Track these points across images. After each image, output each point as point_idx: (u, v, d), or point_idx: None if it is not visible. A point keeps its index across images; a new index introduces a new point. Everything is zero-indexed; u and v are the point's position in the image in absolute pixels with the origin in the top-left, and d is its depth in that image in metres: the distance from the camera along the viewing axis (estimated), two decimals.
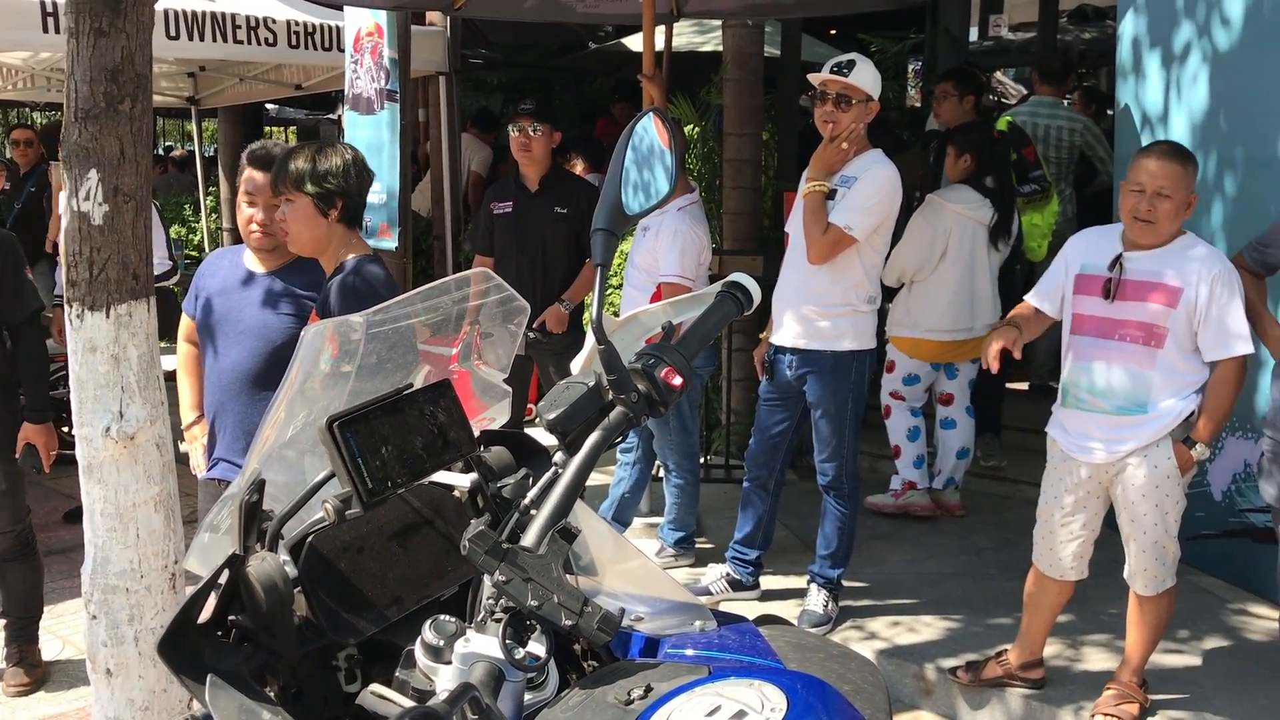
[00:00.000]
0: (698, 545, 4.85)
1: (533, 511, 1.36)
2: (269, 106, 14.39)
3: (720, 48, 9.22)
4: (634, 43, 10.15)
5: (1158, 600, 3.31)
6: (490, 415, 1.62)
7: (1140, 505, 3.18)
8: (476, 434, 1.50)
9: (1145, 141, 4.75)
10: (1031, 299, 3.40)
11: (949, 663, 3.80)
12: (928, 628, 4.13)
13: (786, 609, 4.24)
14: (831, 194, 3.86)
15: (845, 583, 4.26)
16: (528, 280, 4.71)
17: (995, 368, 3.28)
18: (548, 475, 1.42)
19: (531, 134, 4.67)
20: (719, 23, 8.91)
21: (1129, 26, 4.82)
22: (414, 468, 1.39)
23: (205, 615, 1.37)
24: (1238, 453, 4.33)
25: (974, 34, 9.54)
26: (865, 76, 3.77)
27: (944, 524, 5.28)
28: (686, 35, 9.99)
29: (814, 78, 3.89)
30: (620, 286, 5.19)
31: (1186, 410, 3.14)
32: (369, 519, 1.44)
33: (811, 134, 4.39)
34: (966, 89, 5.56)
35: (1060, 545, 3.34)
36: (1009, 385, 5.97)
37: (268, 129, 15.64)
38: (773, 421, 4.14)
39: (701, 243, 4.38)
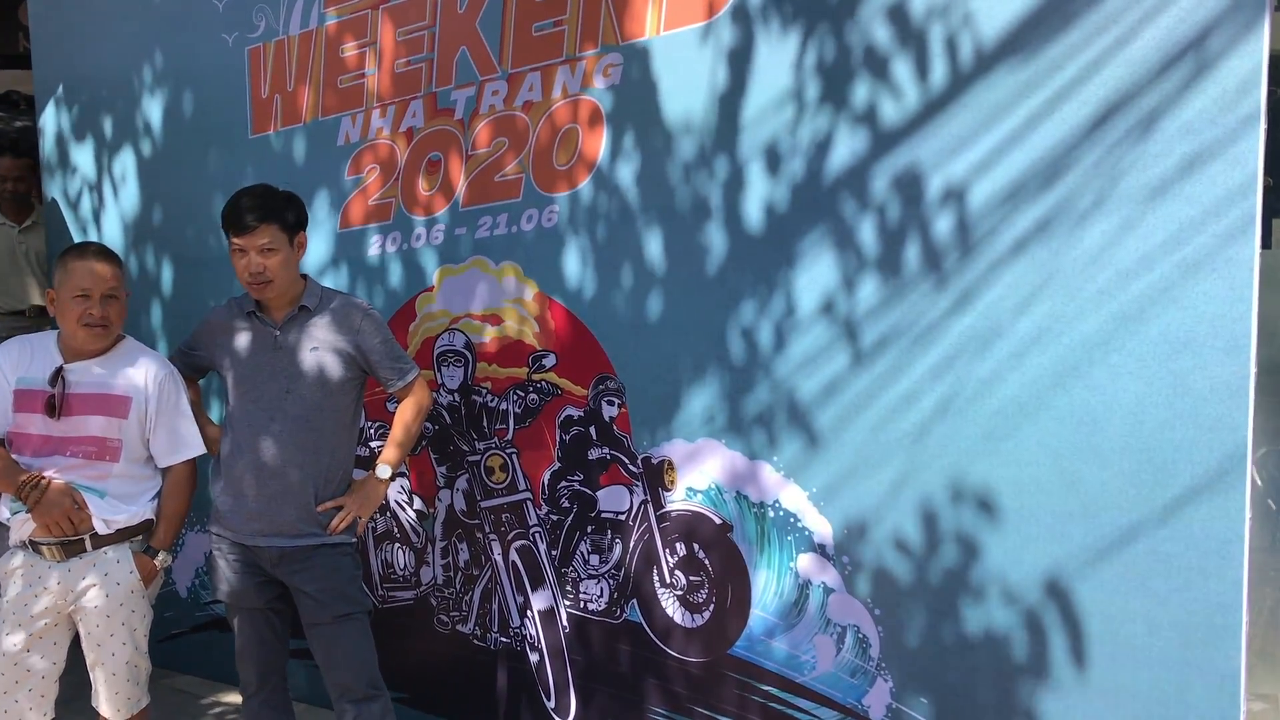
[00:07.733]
0: None
1: None
2: None
3: None
4: None
5: None
6: None
7: (106, 627, 2.97)
8: None
9: (80, 238, 4.59)
10: None
11: None
12: None
13: None
14: None
15: None
16: None
17: None
18: None
19: None
20: None
21: (50, 120, 4.62)
22: None
23: None
24: (197, 546, 4.38)
25: None
26: None
27: None
28: None
29: None
30: None
31: (142, 517, 3.03)
32: None
33: None
34: None
35: (19, 687, 2.95)
36: None
37: None
38: None
39: None
